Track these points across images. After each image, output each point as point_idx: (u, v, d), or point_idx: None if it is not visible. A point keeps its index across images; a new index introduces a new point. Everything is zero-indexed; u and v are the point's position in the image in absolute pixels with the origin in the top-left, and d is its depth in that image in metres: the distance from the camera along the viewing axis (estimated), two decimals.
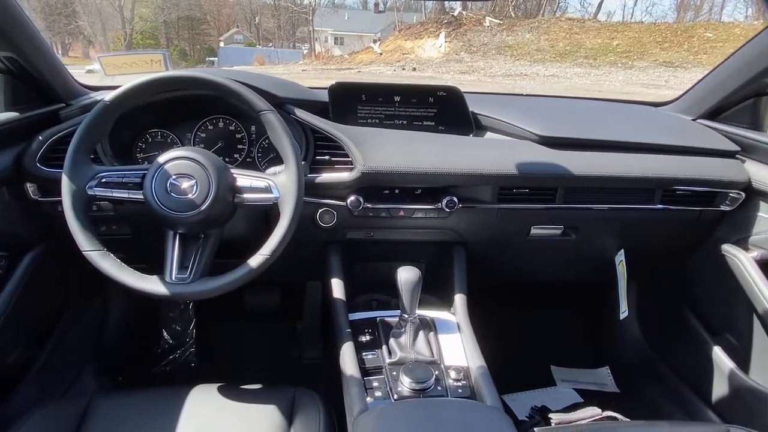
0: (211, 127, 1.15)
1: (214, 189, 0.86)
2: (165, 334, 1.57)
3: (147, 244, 0.99)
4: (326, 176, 1.06)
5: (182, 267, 0.88)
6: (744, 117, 1.23)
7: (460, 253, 1.21)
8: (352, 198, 1.07)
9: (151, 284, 0.86)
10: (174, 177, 0.86)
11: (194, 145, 1.14)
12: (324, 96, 1.16)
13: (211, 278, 0.87)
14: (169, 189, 0.86)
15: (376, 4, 29.13)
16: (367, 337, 1.03)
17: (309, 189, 1.02)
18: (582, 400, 1.46)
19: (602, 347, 1.68)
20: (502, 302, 1.60)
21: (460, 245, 1.21)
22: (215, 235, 0.91)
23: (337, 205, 1.08)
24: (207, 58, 27.55)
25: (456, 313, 1.12)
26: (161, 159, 0.88)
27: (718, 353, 1.25)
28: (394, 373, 0.94)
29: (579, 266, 1.40)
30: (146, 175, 0.87)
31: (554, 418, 1.25)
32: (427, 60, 16.48)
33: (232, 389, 0.95)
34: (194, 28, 31.63)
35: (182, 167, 0.87)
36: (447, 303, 1.17)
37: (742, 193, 1.17)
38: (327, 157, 1.08)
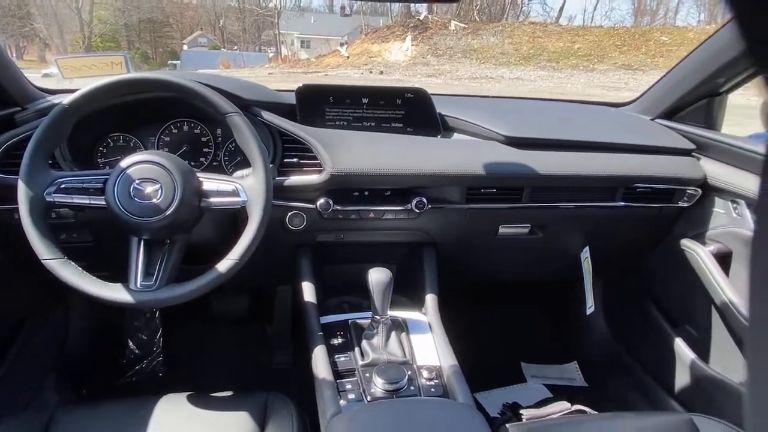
0: (175, 131, 1.13)
1: (179, 193, 0.84)
2: (130, 343, 1.52)
3: (110, 251, 0.96)
4: (295, 179, 1.05)
5: (147, 274, 0.85)
6: (699, 116, 1.28)
7: (430, 254, 1.22)
8: (321, 200, 1.06)
9: (115, 292, 0.84)
10: (137, 181, 0.84)
11: (158, 150, 1.11)
12: (291, 98, 1.16)
13: (178, 284, 0.85)
14: (132, 194, 0.83)
15: (342, 8, 29.10)
16: (339, 340, 1.03)
17: (277, 192, 1.01)
18: (552, 395, 1.49)
19: (570, 343, 1.72)
20: (473, 301, 1.62)
21: (430, 246, 1.22)
22: (181, 240, 0.89)
23: (307, 207, 1.08)
24: (169, 62, 26.80)
25: (427, 313, 1.13)
26: (124, 163, 0.85)
27: (680, 345, 1.30)
28: (367, 374, 0.94)
29: (546, 264, 1.43)
30: (108, 180, 0.84)
31: (525, 413, 1.27)
32: (394, 63, 16.58)
33: (201, 397, 0.93)
34: (156, 30, 30.92)
35: (146, 171, 0.85)
36: (418, 303, 1.17)
37: (699, 190, 1.22)
38: (295, 160, 1.07)
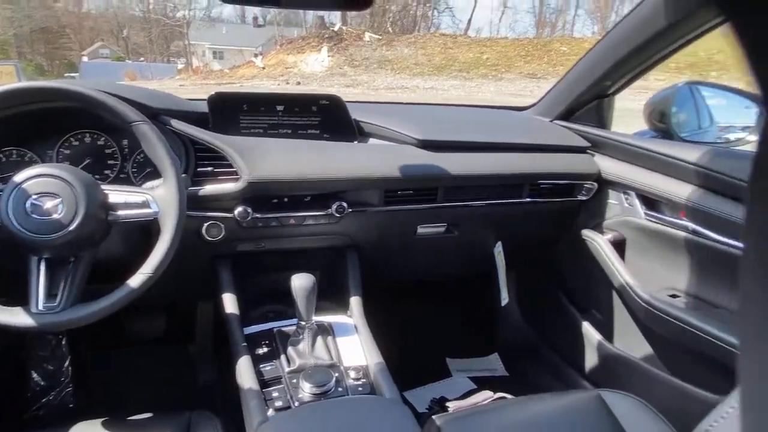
0: (76, 143, 1.06)
1: (83, 207, 0.79)
2: (35, 375, 1.40)
3: (4, 273, 0.89)
4: (210, 188, 1.02)
5: (50, 295, 0.80)
6: (592, 117, 1.40)
7: (353, 257, 1.23)
8: (239, 209, 1.04)
9: (14, 317, 0.77)
10: (35, 196, 0.78)
11: (58, 163, 1.04)
12: (203, 107, 1.13)
13: (86, 304, 0.80)
14: (29, 210, 0.78)
15: (255, 18, 28.60)
16: (265, 349, 1.01)
17: (192, 202, 0.98)
18: (476, 387, 1.55)
19: (491, 335, 1.80)
20: (398, 301, 1.66)
21: (353, 249, 1.24)
22: (88, 257, 0.84)
23: (224, 217, 1.05)
24: (66, 74, 24.60)
25: (353, 315, 1.14)
26: (18, 178, 0.79)
27: (587, 328, 1.40)
28: (294, 380, 0.93)
29: (464, 260, 1.50)
30: (0, 197, 0.78)
31: (451, 406, 1.32)
32: (311, 74, 16.52)
33: (118, 423, 0.88)
34: (51, 42, 28.66)
35: (44, 185, 0.79)
36: (344, 307, 1.18)
37: (595, 184, 1.33)
38: (210, 169, 1.04)
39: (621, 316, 1.32)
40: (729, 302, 1.07)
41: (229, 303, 1.09)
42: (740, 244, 1.01)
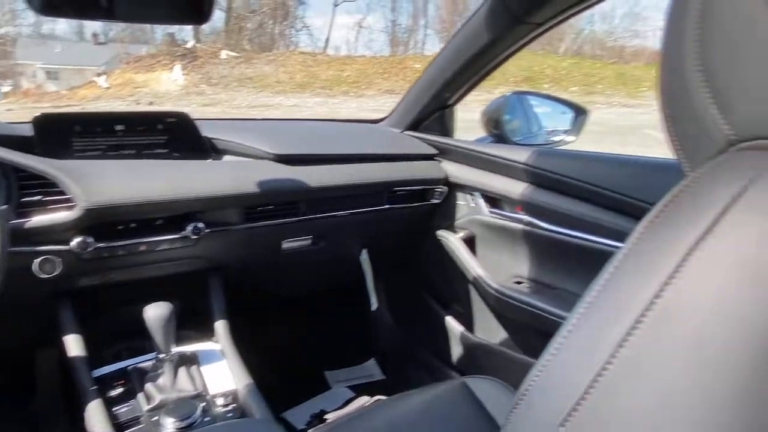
0: None
1: None
2: None
3: None
4: (39, 219, 0.92)
5: None
6: (437, 126, 1.52)
7: (215, 280, 1.18)
8: (77, 240, 0.94)
9: None
10: None
11: None
12: (27, 131, 1.01)
13: None
14: None
15: (95, 35, 26.10)
16: (119, 390, 0.93)
17: (18, 236, 0.87)
18: (354, 395, 1.57)
19: (366, 341, 1.84)
20: (269, 320, 1.62)
21: (214, 271, 1.19)
22: None
23: (60, 250, 0.94)
24: None
25: (219, 340, 1.09)
26: None
27: (450, 322, 1.50)
28: (155, 418, 0.87)
29: (333, 270, 1.52)
30: None
31: (330, 418, 1.32)
32: (164, 93, 15.53)
33: None
34: None
35: None
36: (210, 333, 1.13)
37: (445, 188, 1.44)
38: (38, 198, 0.93)
39: (478, 307, 1.43)
40: (563, 283, 1.22)
41: (73, 345, 0.98)
42: (568, 231, 1.16)
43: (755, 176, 0.31)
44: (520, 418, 0.36)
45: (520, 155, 1.24)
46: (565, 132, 1.51)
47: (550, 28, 1.14)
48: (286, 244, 1.27)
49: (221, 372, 1.01)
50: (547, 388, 0.35)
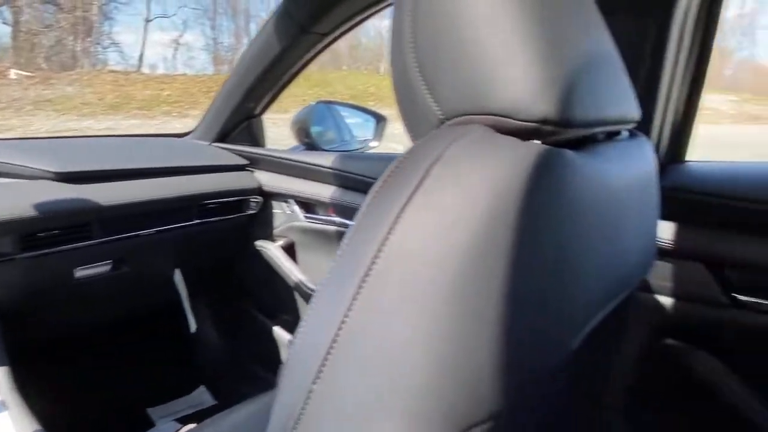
0: None
1: None
2: None
3: None
4: None
5: None
6: (246, 137, 1.51)
7: None
8: None
9: None
10: None
11: None
12: None
13: None
14: None
15: None
16: None
17: None
18: (181, 426, 1.46)
19: (194, 368, 1.72)
20: (76, 359, 1.44)
21: None
22: None
23: None
24: None
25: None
26: None
27: (277, 332, 1.49)
28: None
29: (145, 295, 1.41)
30: None
31: None
32: None
33: None
34: None
35: None
36: None
37: (260, 198, 1.43)
38: None
39: (303, 312, 1.44)
40: None
41: None
42: None
43: (451, 141, 0.37)
44: (283, 386, 0.38)
45: (327, 160, 1.30)
46: (370, 138, 1.63)
47: (335, 39, 1.21)
48: (81, 272, 1.14)
49: (1, 427, 0.87)
50: (300, 352, 0.38)
